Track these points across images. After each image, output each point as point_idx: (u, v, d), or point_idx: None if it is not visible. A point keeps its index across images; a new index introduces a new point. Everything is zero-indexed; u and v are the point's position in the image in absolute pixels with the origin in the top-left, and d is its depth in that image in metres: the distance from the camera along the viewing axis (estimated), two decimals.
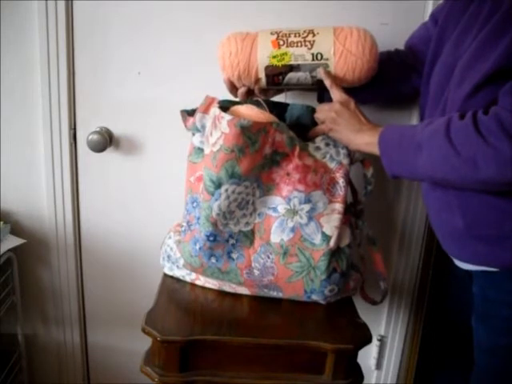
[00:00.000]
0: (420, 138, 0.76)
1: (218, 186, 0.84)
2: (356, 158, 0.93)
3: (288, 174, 0.88)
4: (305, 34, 0.93)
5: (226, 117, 0.81)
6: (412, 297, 1.39)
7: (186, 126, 0.96)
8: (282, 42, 0.94)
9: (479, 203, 0.81)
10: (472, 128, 0.70)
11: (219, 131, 0.83)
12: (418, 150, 0.76)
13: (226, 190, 0.85)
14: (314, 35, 0.93)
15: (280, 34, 0.94)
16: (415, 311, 1.41)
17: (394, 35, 1.17)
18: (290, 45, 0.93)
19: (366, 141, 0.85)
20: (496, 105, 0.72)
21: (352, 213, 0.98)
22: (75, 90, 1.21)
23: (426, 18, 1.16)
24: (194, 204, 0.92)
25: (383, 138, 0.82)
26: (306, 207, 0.89)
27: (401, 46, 1.15)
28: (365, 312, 1.00)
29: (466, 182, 0.74)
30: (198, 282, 0.99)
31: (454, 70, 0.80)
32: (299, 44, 0.93)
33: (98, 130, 1.21)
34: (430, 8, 1.15)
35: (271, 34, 0.94)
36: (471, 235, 0.84)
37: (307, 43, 0.93)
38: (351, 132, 0.87)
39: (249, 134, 0.82)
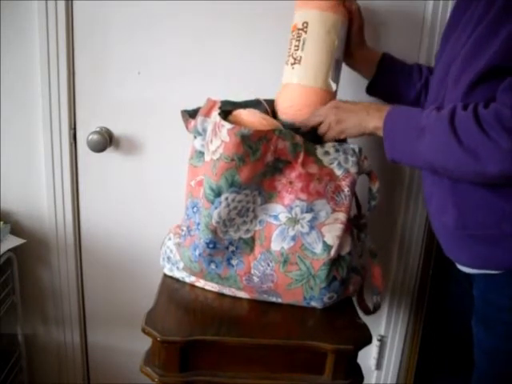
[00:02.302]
0: (425, 122, 0.77)
1: (218, 194, 0.83)
2: (364, 168, 0.92)
3: (290, 183, 0.87)
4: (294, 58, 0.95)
5: (226, 125, 0.80)
6: (412, 297, 1.39)
7: (187, 128, 0.95)
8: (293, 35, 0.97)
9: (476, 202, 0.81)
10: (473, 120, 0.71)
11: (219, 139, 0.81)
12: (422, 134, 0.76)
13: (226, 199, 0.83)
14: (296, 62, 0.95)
15: (297, 34, 0.96)
16: (415, 311, 1.41)
17: (394, 35, 1.17)
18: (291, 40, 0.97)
19: (376, 124, 0.84)
20: (494, 102, 0.73)
21: (355, 225, 0.97)
22: (75, 90, 1.21)
23: (426, 18, 1.17)
24: (195, 209, 0.91)
25: (388, 120, 0.82)
26: (308, 216, 0.88)
27: (401, 45, 1.16)
28: None
29: (465, 171, 0.75)
30: (197, 284, 0.99)
31: (450, 71, 0.81)
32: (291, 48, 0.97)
33: (97, 130, 1.21)
34: (430, 8, 1.15)
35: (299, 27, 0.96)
36: (469, 236, 0.84)
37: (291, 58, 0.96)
38: (362, 121, 0.86)
39: (249, 143, 0.80)
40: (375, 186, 0.94)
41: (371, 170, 0.93)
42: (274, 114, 0.97)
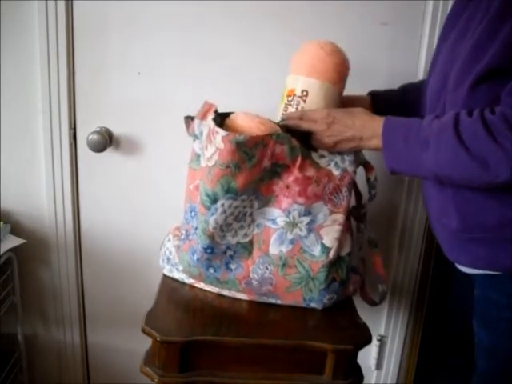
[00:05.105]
0: (427, 132, 0.75)
1: (214, 200, 0.82)
2: (360, 160, 0.92)
3: (288, 187, 0.86)
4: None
5: (221, 132, 0.78)
6: (412, 297, 1.39)
7: (188, 132, 0.95)
8: (288, 100, 0.92)
9: (478, 207, 0.81)
10: (481, 126, 0.70)
11: (214, 146, 0.80)
12: (425, 145, 0.75)
13: (223, 205, 0.83)
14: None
15: (296, 102, 0.92)
16: (415, 311, 1.41)
17: (394, 35, 1.17)
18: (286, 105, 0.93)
19: (373, 146, 0.83)
20: (497, 104, 0.72)
21: (354, 216, 0.97)
22: (75, 90, 1.21)
23: (426, 18, 1.17)
24: (193, 213, 0.90)
25: (386, 132, 0.80)
26: (306, 219, 0.87)
27: (401, 46, 1.15)
28: (365, 312, 1.00)
29: (474, 179, 0.74)
30: (197, 285, 0.99)
31: (450, 74, 0.80)
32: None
33: (97, 130, 1.21)
34: (430, 8, 1.15)
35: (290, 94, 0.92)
36: (470, 238, 0.84)
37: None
38: (358, 145, 0.85)
39: (245, 149, 0.79)
40: (373, 176, 0.93)
41: (366, 161, 0.93)
42: None
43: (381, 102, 1.03)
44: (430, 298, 1.40)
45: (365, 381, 0.92)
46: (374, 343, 1.43)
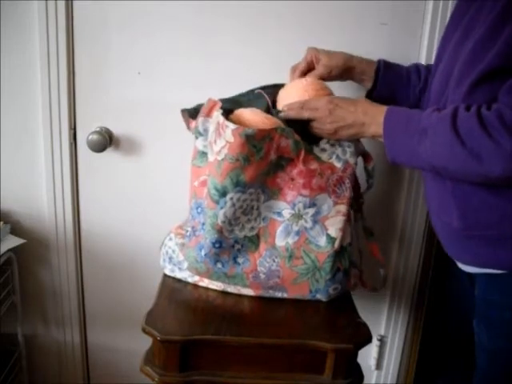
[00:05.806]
0: (426, 123, 0.76)
1: (223, 194, 0.83)
2: (359, 150, 0.92)
3: (292, 180, 0.88)
4: None
5: (231, 126, 0.80)
6: (412, 297, 1.39)
7: (188, 127, 0.95)
8: None
9: (478, 203, 0.81)
10: (476, 121, 0.71)
11: (223, 140, 0.81)
12: (423, 135, 0.76)
13: (232, 198, 0.84)
14: None
15: None
16: (415, 311, 1.41)
17: (394, 35, 1.17)
18: None
19: (373, 133, 0.84)
20: (496, 102, 0.73)
21: (352, 207, 0.98)
22: (75, 90, 1.21)
23: (426, 18, 1.17)
24: (199, 209, 0.91)
25: (387, 123, 0.81)
26: (311, 211, 0.88)
27: (400, 46, 1.15)
28: (365, 312, 1.00)
29: (468, 173, 0.74)
30: (201, 284, 0.99)
31: (453, 74, 0.81)
32: None
33: (98, 130, 1.21)
34: (430, 8, 1.15)
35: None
36: (472, 236, 0.84)
37: None
38: (358, 132, 0.85)
39: (253, 143, 0.81)
40: (371, 166, 0.95)
41: (365, 152, 0.94)
42: (274, 104, 0.95)
43: (382, 72, 1.02)
44: (430, 298, 1.40)
45: (365, 381, 0.92)
46: (374, 343, 1.43)
